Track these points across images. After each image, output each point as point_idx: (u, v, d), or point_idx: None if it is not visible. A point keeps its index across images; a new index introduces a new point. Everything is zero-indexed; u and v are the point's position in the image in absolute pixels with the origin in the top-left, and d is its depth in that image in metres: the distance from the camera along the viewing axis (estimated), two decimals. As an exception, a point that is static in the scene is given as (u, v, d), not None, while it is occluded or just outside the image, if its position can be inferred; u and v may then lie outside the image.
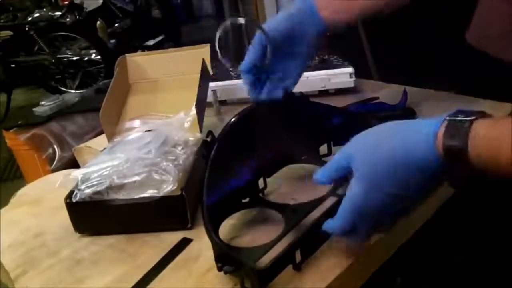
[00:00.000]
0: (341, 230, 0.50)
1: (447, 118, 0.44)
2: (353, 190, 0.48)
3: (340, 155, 0.51)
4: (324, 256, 0.57)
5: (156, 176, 0.66)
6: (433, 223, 0.69)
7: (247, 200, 0.66)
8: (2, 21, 3.97)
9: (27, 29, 3.70)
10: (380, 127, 0.49)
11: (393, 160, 0.45)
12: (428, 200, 0.59)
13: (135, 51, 2.60)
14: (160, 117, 0.82)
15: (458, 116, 0.43)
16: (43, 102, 1.94)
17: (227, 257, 0.53)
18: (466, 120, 0.43)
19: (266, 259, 0.51)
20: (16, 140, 1.60)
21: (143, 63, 0.98)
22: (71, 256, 0.65)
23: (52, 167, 1.51)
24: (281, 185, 0.72)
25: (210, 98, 1.01)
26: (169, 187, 0.65)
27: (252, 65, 0.69)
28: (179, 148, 0.72)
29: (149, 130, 0.75)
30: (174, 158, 0.69)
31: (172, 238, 0.65)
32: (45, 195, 0.82)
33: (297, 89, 0.72)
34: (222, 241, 0.56)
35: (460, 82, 1.07)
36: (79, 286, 0.59)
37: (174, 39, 4.18)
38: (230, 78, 1.06)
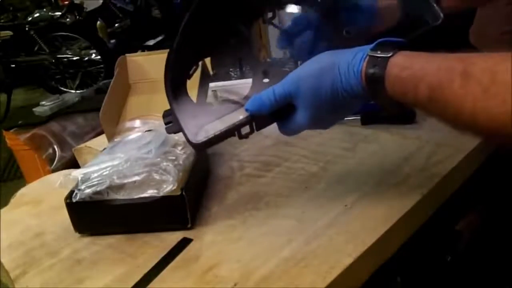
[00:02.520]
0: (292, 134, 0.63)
1: (369, 54, 0.52)
2: (301, 118, 0.58)
3: (283, 91, 0.58)
4: (324, 256, 0.57)
5: (156, 176, 0.66)
6: (433, 223, 0.69)
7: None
8: (2, 21, 3.98)
9: (27, 29, 3.70)
10: (318, 64, 0.56)
11: (332, 92, 0.55)
12: (428, 201, 0.59)
13: (135, 51, 2.61)
14: (160, 117, 0.82)
15: (377, 52, 0.52)
16: (43, 102, 1.94)
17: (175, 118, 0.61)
18: (383, 57, 0.51)
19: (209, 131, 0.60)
20: (16, 140, 1.61)
21: (143, 63, 0.98)
22: (71, 256, 0.65)
23: (52, 167, 1.51)
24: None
25: (210, 98, 1.01)
26: (169, 187, 0.65)
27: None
28: (179, 148, 0.72)
29: (149, 130, 0.75)
30: (174, 158, 0.69)
31: (172, 238, 0.65)
32: (45, 195, 0.82)
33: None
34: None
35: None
36: (79, 286, 0.59)
37: (174, 39, 4.18)
38: (230, 78, 1.06)
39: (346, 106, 0.57)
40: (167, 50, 0.99)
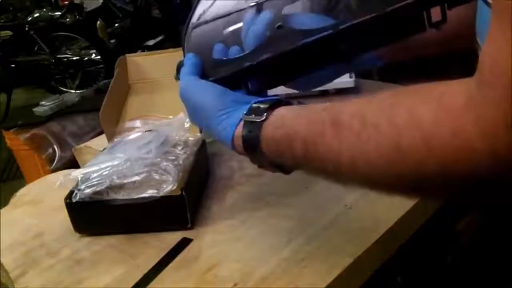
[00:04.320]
0: None
1: (244, 119, 0.49)
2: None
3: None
4: (324, 256, 0.57)
5: (156, 176, 0.66)
6: (433, 223, 0.69)
7: None
8: (2, 21, 3.97)
9: (27, 29, 3.70)
10: (199, 98, 0.54)
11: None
12: (428, 201, 0.59)
13: (135, 51, 2.61)
14: (160, 118, 0.82)
15: (251, 116, 0.49)
16: (43, 102, 1.94)
17: None
18: (257, 121, 0.48)
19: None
20: (16, 140, 1.61)
21: (143, 63, 0.98)
22: (71, 256, 0.65)
23: (52, 167, 1.51)
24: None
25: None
26: (169, 187, 0.65)
27: None
28: (179, 148, 0.72)
29: (149, 130, 0.75)
30: (174, 158, 0.69)
31: (172, 238, 0.65)
32: (45, 195, 0.82)
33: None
34: None
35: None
36: (79, 286, 0.59)
37: (174, 39, 4.18)
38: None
39: None
40: (167, 50, 0.99)
